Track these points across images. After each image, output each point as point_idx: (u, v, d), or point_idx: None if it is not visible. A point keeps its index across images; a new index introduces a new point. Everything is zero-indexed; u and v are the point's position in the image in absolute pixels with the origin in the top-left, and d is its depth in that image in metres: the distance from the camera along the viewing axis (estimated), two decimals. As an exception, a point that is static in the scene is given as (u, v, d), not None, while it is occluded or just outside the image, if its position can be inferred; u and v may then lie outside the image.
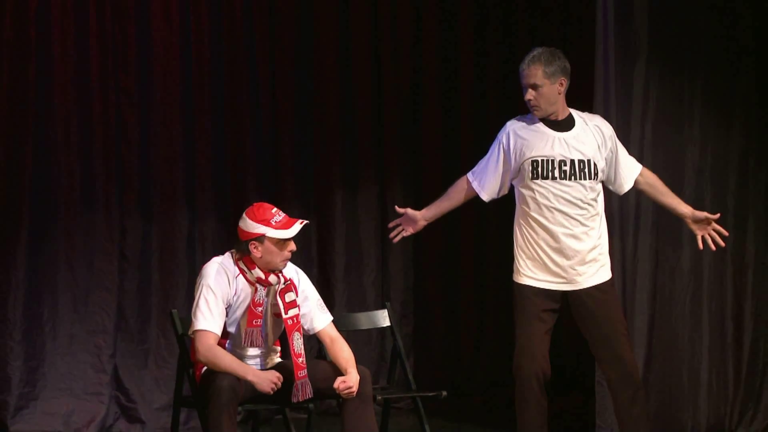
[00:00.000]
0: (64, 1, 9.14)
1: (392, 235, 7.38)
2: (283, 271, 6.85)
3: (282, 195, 9.77)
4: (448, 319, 10.37)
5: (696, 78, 8.88)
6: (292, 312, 6.83)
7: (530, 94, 7.11)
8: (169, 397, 7.94)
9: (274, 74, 9.80)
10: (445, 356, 10.32)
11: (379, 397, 7.39)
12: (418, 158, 10.31)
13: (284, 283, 6.83)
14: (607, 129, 7.26)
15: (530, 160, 7.10)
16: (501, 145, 7.18)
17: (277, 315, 6.82)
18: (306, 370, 6.76)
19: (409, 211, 7.32)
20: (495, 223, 9.96)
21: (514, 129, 7.20)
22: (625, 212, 8.65)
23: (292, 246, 6.78)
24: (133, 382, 9.24)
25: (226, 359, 6.64)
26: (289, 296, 6.84)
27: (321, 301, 7.02)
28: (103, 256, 9.26)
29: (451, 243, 10.30)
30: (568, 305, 7.18)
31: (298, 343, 6.77)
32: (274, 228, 6.73)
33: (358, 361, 9.96)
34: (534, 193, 7.10)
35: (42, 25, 9.10)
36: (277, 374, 6.64)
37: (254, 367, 6.74)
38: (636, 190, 7.40)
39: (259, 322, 6.78)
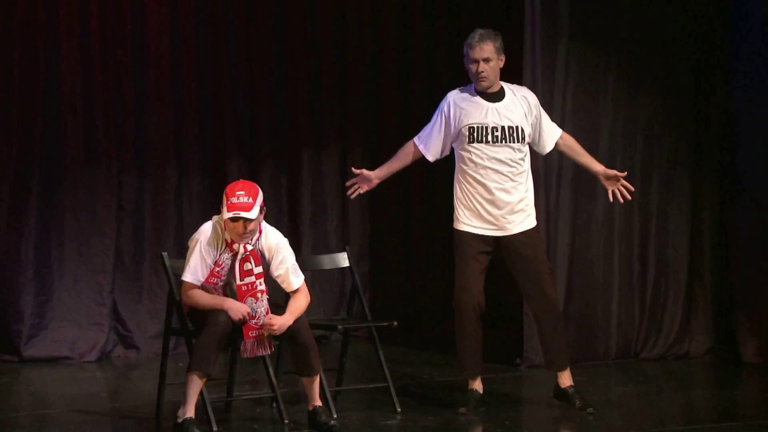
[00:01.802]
0: (68, -14, 9.17)
1: (350, 192, 7.40)
2: (268, 240, 6.72)
3: (258, 155, 9.82)
4: (399, 261, 10.44)
5: (609, 54, 8.94)
6: (247, 279, 6.66)
7: (482, 67, 7.10)
8: (161, 327, 7.97)
9: (250, 53, 9.78)
10: (396, 292, 10.34)
11: (340, 327, 7.39)
12: (374, 123, 10.28)
13: (243, 254, 6.63)
14: (533, 99, 7.30)
15: (467, 127, 7.14)
16: (443, 114, 7.21)
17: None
18: (261, 330, 6.64)
19: (364, 171, 7.33)
20: (438, 179, 9.82)
21: (454, 99, 7.22)
22: (548, 170, 8.73)
23: (239, 228, 6.55)
24: (129, 314, 9.35)
25: (204, 299, 6.63)
26: (247, 266, 6.66)
27: (296, 266, 6.80)
28: (103, 206, 9.28)
29: (402, 196, 10.30)
30: (500, 249, 7.24)
31: (251, 307, 6.63)
32: (225, 205, 6.55)
33: (324, 295, 9.88)
34: (471, 154, 7.14)
35: (50, 8, 9.08)
36: (247, 309, 6.59)
37: (230, 299, 6.67)
38: (557, 152, 7.46)
39: (215, 281, 6.68)
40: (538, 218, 7.38)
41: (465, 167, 7.17)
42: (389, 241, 10.41)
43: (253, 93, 9.82)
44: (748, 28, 8.89)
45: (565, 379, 7.31)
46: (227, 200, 6.56)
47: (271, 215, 9.15)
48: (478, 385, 7.30)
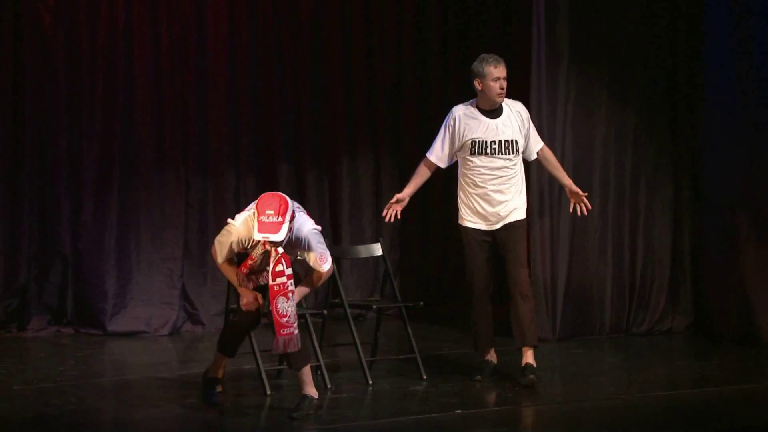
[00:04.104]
0: (143, 18, 9.29)
1: (387, 218, 7.35)
2: (295, 236, 6.28)
3: (303, 160, 9.91)
4: (424, 251, 10.44)
5: (603, 74, 9.03)
6: (279, 280, 6.20)
7: (504, 84, 7.17)
8: (222, 307, 8.00)
9: (296, 74, 9.86)
10: (421, 277, 10.34)
11: (374, 307, 7.49)
12: (399, 134, 10.31)
13: (276, 257, 6.21)
14: (525, 113, 7.35)
15: (470, 141, 7.23)
16: (449, 128, 7.27)
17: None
18: (291, 329, 6.21)
19: (397, 196, 7.34)
20: (454, 186, 9.05)
21: (458, 115, 7.26)
22: (553, 176, 8.54)
23: (267, 245, 6.18)
24: (195, 295, 9.46)
25: (229, 274, 6.46)
26: (279, 267, 6.20)
27: (323, 254, 6.38)
28: (173, 203, 9.41)
29: (425, 197, 10.02)
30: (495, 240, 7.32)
31: (282, 306, 6.22)
32: (256, 221, 6.11)
33: (360, 280, 9.89)
34: (472, 162, 7.25)
35: (128, 36, 9.28)
36: (256, 300, 6.37)
37: (247, 288, 6.43)
38: (535, 161, 7.57)
39: (245, 270, 6.40)
40: (528, 213, 7.41)
41: (467, 172, 7.28)
42: (415, 234, 10.39)
43: (299, 108, 9.89)
44: (714, 51, 8.92)
45: (528, 357, 7.23)
46: (257, 217, 6.12)
47: (315, 211, 9.39)
48: (491, 357, 7.38)
